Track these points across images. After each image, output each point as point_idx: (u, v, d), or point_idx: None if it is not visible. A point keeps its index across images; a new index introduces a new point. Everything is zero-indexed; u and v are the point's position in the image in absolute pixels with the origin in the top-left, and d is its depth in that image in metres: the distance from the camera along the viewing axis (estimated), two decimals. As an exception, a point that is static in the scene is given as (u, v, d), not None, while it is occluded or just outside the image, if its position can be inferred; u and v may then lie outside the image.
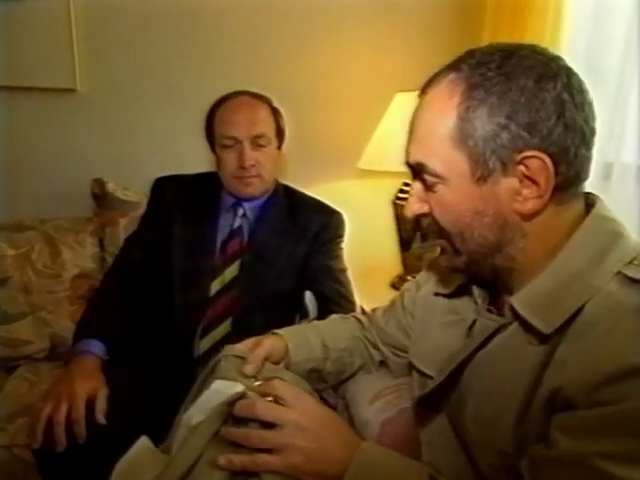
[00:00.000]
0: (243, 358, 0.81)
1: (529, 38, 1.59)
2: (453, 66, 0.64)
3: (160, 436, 0.84)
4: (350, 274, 1.46)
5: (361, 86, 1.90)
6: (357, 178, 1.94)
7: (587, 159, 0.63)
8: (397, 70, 1.86)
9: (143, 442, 0.74)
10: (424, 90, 0.67)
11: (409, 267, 1.79)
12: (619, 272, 0.59)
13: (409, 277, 1.78)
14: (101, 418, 1.03)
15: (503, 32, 1.69)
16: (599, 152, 1.41)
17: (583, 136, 0.60)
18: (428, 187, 0.67)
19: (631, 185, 1.45)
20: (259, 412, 0.66)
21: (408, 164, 0.70)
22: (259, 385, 0.73)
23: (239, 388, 0.72)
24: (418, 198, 0.70)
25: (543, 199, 0.61)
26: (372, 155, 1.71)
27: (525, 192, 0.61)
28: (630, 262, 0.60)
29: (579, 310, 0.59)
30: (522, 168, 0.60)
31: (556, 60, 0.62)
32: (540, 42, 1.52)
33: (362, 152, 1.73)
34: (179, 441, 0.69)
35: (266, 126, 1.32)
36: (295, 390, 0.72)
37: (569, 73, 0.61)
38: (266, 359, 0.83)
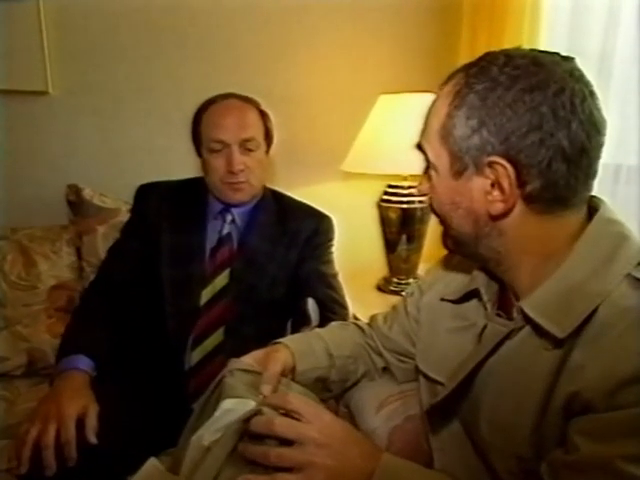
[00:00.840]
0: (250, 372, 0.79)
1: (507, 39, 1.61)
2: (468, 65, 0.67)
3: (154, 451, 0.82)
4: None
5: (344, 88, 1.89)
6: (341, 181, 1.93)
7: (572, 176, 0.61)
8: (380, 72, 1.87)
9: (152, 463, 0.71)
10: (441, 86, 0.70)
11: (395, 269, 1.79)
12: (628, 274, 0.60)
13: (395, 279, 1.79)
14: (92, 437, 0.97)
15: (481, 33, 1.72)
16: None
17: (562, 152, 0.60)
18: (428, 168, 0.73)
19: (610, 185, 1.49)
20: (278, 429, 0.64)
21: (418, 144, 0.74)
22: (272, 398, 0.71)
23: (251, 404, 0.69)
24: (426, 178, 0.75)
25: (508, 204, 0.64)
26: (356, 157, 1.70)
27: (494, 193, 0.64)
28: (639, 264, 0.61)
29: (592, 313, 0.59)
30: (489, 172, 0.63)
31: (558, 70, 0.61)
32: (518, 43, 1.57)
33: (346, 155, 1.72)
34: (190, 462, 0.66)
35: (255, 130, 1.29)
36: (311, 404, 0.71)
37: (573, 91, 0.60)
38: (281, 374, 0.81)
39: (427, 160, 0.72)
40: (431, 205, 0.75)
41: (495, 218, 0.66)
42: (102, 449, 0.96)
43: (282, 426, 0.64)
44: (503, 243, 0.68)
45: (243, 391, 0.73)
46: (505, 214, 0.65)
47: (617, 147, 1.47)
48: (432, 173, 0.71)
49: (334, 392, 0.98)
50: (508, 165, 0.61)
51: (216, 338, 1.25)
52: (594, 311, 0.60)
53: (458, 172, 0.66)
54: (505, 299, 0.76)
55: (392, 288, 1.78)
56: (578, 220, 0.66)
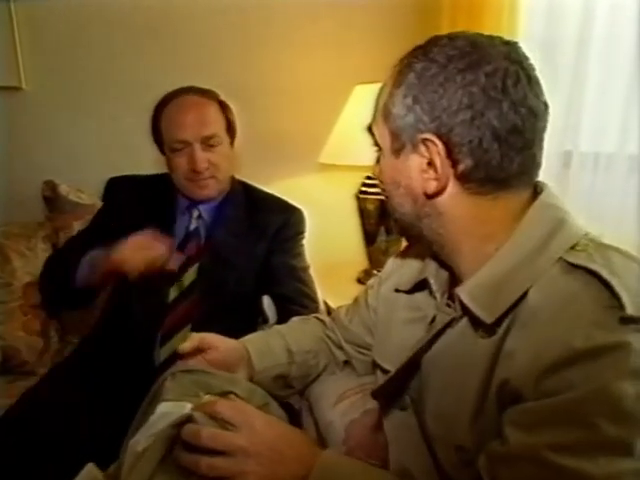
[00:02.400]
0: (193, 371, 0.77)
1: (486, 33, 1.60)
2: (416, 47, 0.67)
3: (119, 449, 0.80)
4: (315, 271, 1.43)
5: (320, 79, 1.87)
6: (319, 172, 1.91)
7: (506, 157, 0.61)
8: (356, 63, 1.84)
9: (89, 469, 0.70)
10: (392, 68, 0.70)
11: (375, 261, 1.78)
12: (561, 258, 0.59)
13: (375, 271, 1.77)
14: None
15: (460, 27, 1.70)
16: (557, 141, 1.49)
17: (493, 131, 0.60)
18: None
19: (589, 173, 1.48)
20: (204, 441, 0.62)
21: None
22: (202, 406, 0.68)
23: (187, 408, 0.68)
24: (376, 162, 0.76)
25: (441, 182, 0.64)
26: (333, 149, 1.68)
27: (429, 172, 0.65)
28: (572, 248, 0.60)
29: (522, 298, 0.59)
30: (424, 149, 0.64)
31: (497, 57, 0.61)
32: None
33: (323, 146, 1.71)
34: (127, 468, 0.65)
35: (216, 126, 1.26)
36: (242, 410, 0.68)
37: (507, 72, 0.60)
38: (209, 348, 0.84)
39: (376, 143, 0.73)
40: (381, 189, 0.76)
41: (430, 197, 0.66)
42: (64, 448, 0.95)
43: (209, 438, 0.62)
44: (442, 224, 0.67)
45: (180, 394, 0.71)
46: (439, 192, 0.65)
47: (595, 135, 1.47)
48: (380, 155, 0.73)
49: (296, 388, 0.98)
50: (439, 142, 0.62)
51: (183, 336, 1.22)
52: (524, 296, 0.59)
53: (397, 150, 0.67)
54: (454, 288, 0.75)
55: (372, 280, 1.76)
56: (520, 203, 0.65)
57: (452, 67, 0.61)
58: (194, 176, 1.24)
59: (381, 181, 0.75)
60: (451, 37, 0.64)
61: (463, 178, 0.63)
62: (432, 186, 0.65)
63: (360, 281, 1.80)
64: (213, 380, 0.76)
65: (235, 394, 0.74)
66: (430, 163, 0.64)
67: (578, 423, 0.50)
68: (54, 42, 1.66)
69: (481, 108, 0.60)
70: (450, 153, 0.62)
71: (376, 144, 0.74)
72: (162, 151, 1.32)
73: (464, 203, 0.65)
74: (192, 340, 0.86)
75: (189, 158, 1.23)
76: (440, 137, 0.62)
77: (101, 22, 1.68)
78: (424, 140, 0.63)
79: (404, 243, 1.76)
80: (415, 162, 0.66)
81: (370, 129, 0.74)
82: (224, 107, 1.31)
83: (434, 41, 0.65)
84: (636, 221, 1.31)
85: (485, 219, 0.65)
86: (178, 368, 0.77)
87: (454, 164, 0.62)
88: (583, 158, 1.48)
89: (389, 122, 0.67)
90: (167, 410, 0.69)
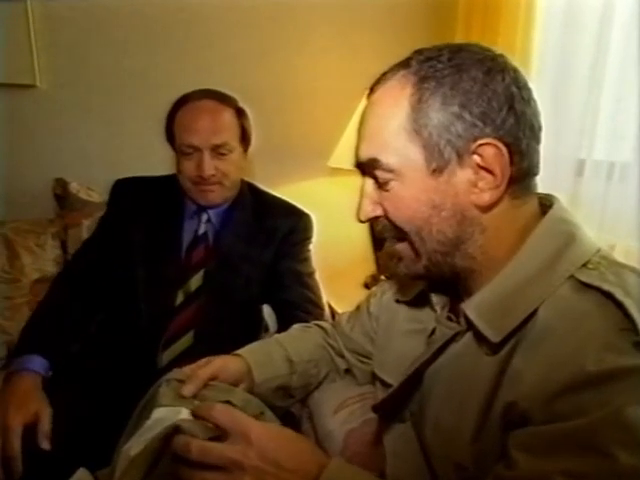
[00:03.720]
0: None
1: (501, 37, 1.60)
2: (402, 64, 0.64)
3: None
4: (321, 275, 1.42)
5: (332, 84, 1.87)
6: (328, 176, 1.91)
7: (537, 152, 0.63)
8: (368, 68, 1.80)
9: (81, 475, 0.70)
10: (373, 89, 0.66)
11: (382, 267, 1.77)
12: (571, 276, 0.57)
13: (382, 277, 1.76)
14: (45, 444, 0.93)
15: (475, 31, 1.70)
16: (571, 149, 1.47)
17: (532, 129, 0.61)
18: (381, 186, 0.65)
19: (602, 182, 1.45)
20: (194, 456, 0.58)
21: (359, 165, 0.68)
22: (199, 409, 0.66)
23: (183, 414, 0.67)
24: (371, 200, 0.67)
25: (499, 189, 0.60)
26: (343, 153, 1.68)
27: (481, 183, 0.60)
28: (584, 265, 0.58)
29: (531, 316, 0.57)
30: (477, 158, 0.59)
31: (502, 56, 0.63)
32: (512, 42, 1.55)
33: (333, 150, 1.70)
34: (119, 473, 0.65)
35: (229, 134, 1.23)
36: (238, 420, 0.62)
37: (515, 69, 0.62)
38: (213, 379, 0.78)
39: (375, 175, 0.65)
40: (387, 230, 0.67)
41: (485, 209, 0.61)
42: (66, 449, 0.93)
43: (199, 453, 0.58)
44: (482, 245, 0.63)
45: (175, 400, 0.71)
46: (496, 203, 0.61)
47: (611, 144, 1.45)
48: (391, 186, 0.63)
49: (297, 398, 0.97)
50: (501, 145, 0.58)
51: (186, 341, 1.22)
52: (533, 314, 0.57)
53: (438, 168, 0.60)
54: (458, 301, 0.73)
55: (379, 286, 1.75)
56: (531, 210, 0.64)
57: (485, 69, 0.59)
58: (200, 181, 1.23)
59: (389, 218, 0.65)
60: (456, 46, 0.63)
61: (512, 181, 0.61)
62: (486, 197, 0.60)
63: (367, 286, 1.79)
64: (208, 391, 0.75)
65: (231, 403, 0.73)
66: (477, 173, 0.60)
67: (592, 450, 0.48)
68: (69, 41, 1.67)
69: (522, 107, 0.60)
70: (511, 155, 0.59)
71: (372, 177, 0.66)
72: (175, 149, 1.30)
73: (505, 211, 0.62)
74: (209, 368, 0.80)
75: (197, 163, 1.21)
76: (500, 140, 0.59)
77: (116, 23, 1.69)
78: (478, 147, 0.59)
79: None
80: (462, 177, 0.60)
81: (361, 165, 0.66)
82: (240, 114, 1.28)
83: (429, 54, 0.62)
84: (649, 233, 1.28)
85: (510, 227, 0.63)
86: (173, 376, 0.77)
87: (511, 166, 0.60)
88: (596, 166, 1.45)
89: (422, 138, 0.60)
90: (162, 416, 0.68)
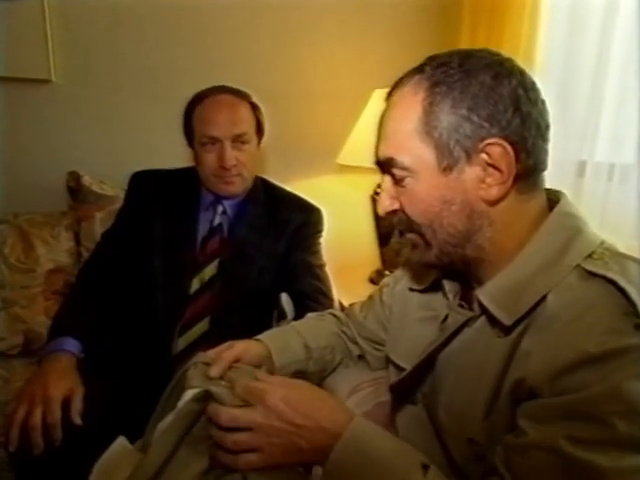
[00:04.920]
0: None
1: (506, 38, 1.62)
2: (417, 69, 0.68)
3: (138, 434, 0.82)
4: (329, 269, 1.46)
5: (341, 83, 1.91)
6: (336, 173, 1.95)
7: (544, 150, 0.67)
8: (376, 67, 1.88)
9: (120, 442, 0.73)
10: (391, 93, 0.71)
11: (388, 262, 1.81)
12: (578, 265, 0.62)
13: (387, 272, 1.80)
14: (77, 419, 1.00)
15: (481, 31, 1.72)
16: (573, 150, 1.50)
17: (538, 128, 0.65)
18: (397, 182, 0.70)
19: (603, 184, 1.49)
20: (223, 423, 0.65)
21: (378, 162, 0.73)
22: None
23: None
24: (389, 195, 0.73)
25: (506, 185, 0.64)
26: (351, 151, 1.72)
27: (489, 180, 0.65)
28: (589, 256, 0.63)
29: (541, 302, 0.62)
30: (484, 156, 0.64)
31: (510, 60, 0.67)
32: (517, 42, 1.58)
33: (341, 148, 1.74)
34: (153, 444, 0.69)
35: (247, 125, 1.30)
36: (254, 391, 0.68)
37: (522, 71, 0.66)
38: (236, 361, 0.82)
39: (392, 172, 0.70)
40: (403, 222, 0.73)
41: (492, 203, 0.66)
42: (88, 430, 0.99)
43: (227, 420, 0.65)
44: (491, 236, 0.68)
45: (203, 382, 0.74)
46: (502, 198, 0.66)
47: (612, 146, 1.49)
48: (406, 182, 0.68)
49: (313, 382, 1.00)
50: (507, 144, 0.63)
51: (201, 327, 1.27)
52: (542, 300, 0.62)
53: (448, 166, 0.65)
54: (469, 289, 0.78)
55: (384, 281, 1.79)
56: (539, 205, 0.69)
57: (492, 73, 0.63)
58: (222, 172, 1.28)
59: (405, 211, 0.71)
60: (466, 51, 0.67)
61: (518, 178, 0.65)
62: (494, 192, 0.65)
63: (372, 281, 1.83)
64: (233, 372, 0.78)
65: None
66: (485, 170, 0.64)
67: (593, 419, 0.53)
68: (85, 36, 1.70)
69: (528, 108, 0.64)
70: (515, 154, 0.63)
71: (389, 174, 0.71)
72: (190, 145, 1.35)
73: (513, 205, 0.67)
74: (233, 350, 0.84)
75: (218, 155, 1.26)
76: (505, 139, 0.63)
77: (131, 20, 1.72)
78: (485, 147, 0.63)
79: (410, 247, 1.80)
80: (472, 173, 0.65)
81: (380, 163, 0.72)
82: (255, 108, 1.35)
83: (442, 60, 0.66)
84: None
85: (518, 220, 0.68)
86: (200, 359, 0.80)
87: (517, 164, 0.64)
88: (598, 168, 1.48)
89: (433, 139, 0.65)
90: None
